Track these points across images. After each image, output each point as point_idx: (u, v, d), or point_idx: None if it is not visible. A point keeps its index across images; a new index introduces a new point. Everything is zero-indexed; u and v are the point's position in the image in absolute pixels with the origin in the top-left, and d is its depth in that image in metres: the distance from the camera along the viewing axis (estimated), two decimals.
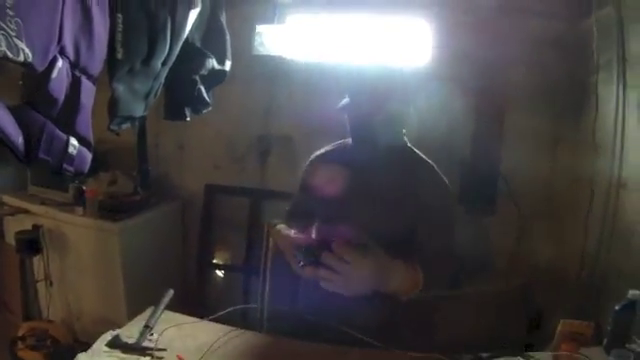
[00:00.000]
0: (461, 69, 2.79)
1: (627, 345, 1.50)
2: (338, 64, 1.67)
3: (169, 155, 3.52)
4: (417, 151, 1.76)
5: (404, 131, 1.72)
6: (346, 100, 1.63)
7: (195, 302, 3.27)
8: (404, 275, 1.51)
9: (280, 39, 2.93)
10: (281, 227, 1.83)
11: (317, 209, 1.77)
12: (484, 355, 1.53)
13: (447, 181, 1.70)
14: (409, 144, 1.76)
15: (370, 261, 1.45)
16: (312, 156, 1.90)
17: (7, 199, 3.29)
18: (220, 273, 3.60)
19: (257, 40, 2.94)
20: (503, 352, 1.53)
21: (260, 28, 2.89)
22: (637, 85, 2.22)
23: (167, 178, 3.55)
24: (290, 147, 3.25)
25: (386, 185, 1.66)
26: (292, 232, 1.73)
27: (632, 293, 1.52)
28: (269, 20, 2.94)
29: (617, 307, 1.53)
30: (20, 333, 2.82)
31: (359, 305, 1.57)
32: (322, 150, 1.89)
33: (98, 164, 3.03)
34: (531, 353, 1.52)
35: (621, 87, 2.29)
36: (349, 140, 1.76)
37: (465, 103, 2.87)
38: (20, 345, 2.76)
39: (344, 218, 1.61)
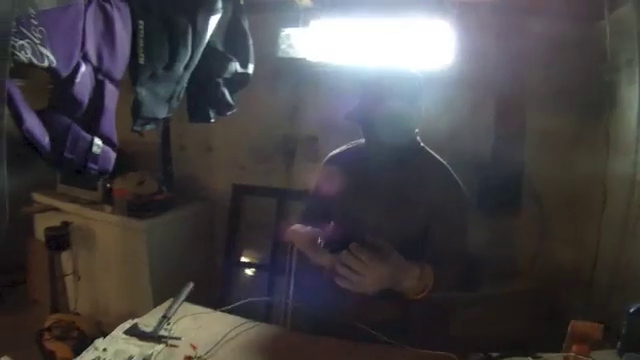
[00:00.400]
0: (481, 70, 2.78)
1: None
2: (354, 67, 1.69)
3: (196, 156, 3.60)
4: (430, 151, 1.77)
5: (416, 131, 1.73)
6: (354, 106, 1.64)
7: (221, 300, 3.34)
8: (417, 277, 1.53)
9: (305, 42, 2.99)
10: (297, 226, 1.85)
11: (332, 209, 1.80)
12: (494, 354, 1.53)
13: (460, 181, 1.70)
14: (422, 144, 1.78)
15: (386, 263, 1.48)
16: (327, 156, 1.93)
17: (37, 197, 3.43)
18: (250, 272, 3.65)
19: (283, 43, 3.01)
20: (514, 352, 1.54)
21: (286, 31, 2.96)
22: None
23: (195, 179, 3.62)
24: (315, 147, 3.28)
25: (400, 185, 1.68)
26: (308, 229, 1.77)
27: None
28: (293, 24, 2.99)
29: (631, 310, 1.50)
30: (46, 324, 2.89)
31: (372, 302, 1.60)
32: (337, 150, 1.92)
33: (127, 165, 3.15)
34: (542, 354, 1.51)
35: None
36: (363, 141, 1.77)
37: (486, 104, 2.86)
38: (46, 336, 2.82)
39: (359, 218, 1.65)
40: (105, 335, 1.57)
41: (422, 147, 1.77)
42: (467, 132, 2.88)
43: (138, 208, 3.10)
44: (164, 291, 1.90)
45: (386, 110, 1.59)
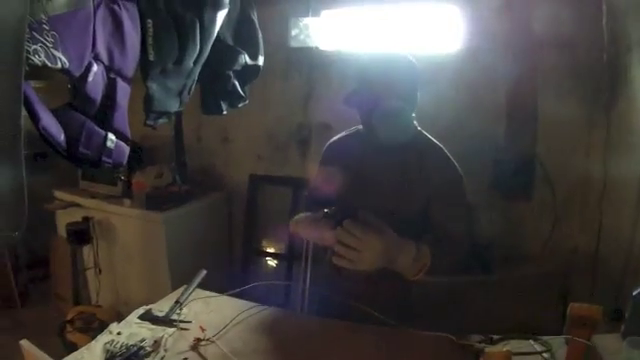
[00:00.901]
0: (491, 53, 2.77)
1: None
2: (353, 54, 1.71)
3: (213, 147, 3.68)
4: (427, 135, 1.80)
5: (413, 115, 1.75)
6: (352, 91, 1.67)
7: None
8: (413, 256, 1.56)
9: (315, 31, 3.02)
10: (298, 217, 1.88)
11: (334, 194, 1.83)
12: (494, 337, 1.56)
13: (457, 164, 1.73)
14: (419, 127, 1.80)
15: (380, 238, 1.52)
16: (327, 143, 1.97)
17: (59, 194, 3.53)
18: (269, 261, 3.72)
19: (294, 32, 3.04)
20: (514, 335, 1.57)
21: (296, 21, 2.99)
22: None
23: (212, 169, 3.70)
24: (329, 135, 3.30)
25: (399, 168, 1.71)
26: (309, 214, 1.81)
27: None
28: (304, 14, 3.02)
29: (635, 292, 1.50)
30: (69, 317, 2.99)
31: (374, 284, 1.68)
32: (337, 137, 1.95)
33: (145, 159, 3.22)
34: (543, 337, 1.54)
35: None
36: (361, 126, 1.81)
37: (497, 88, 2.85)
38: (69, 328, 2.92)
39: (360, 201, 1.68)
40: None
41: (419, 131, 1.79)
42: (479, 116, 2.88)
43: (157, 201, 3.18)
44: (182, 281, 1.97)
45: (382, 96, 1.62)
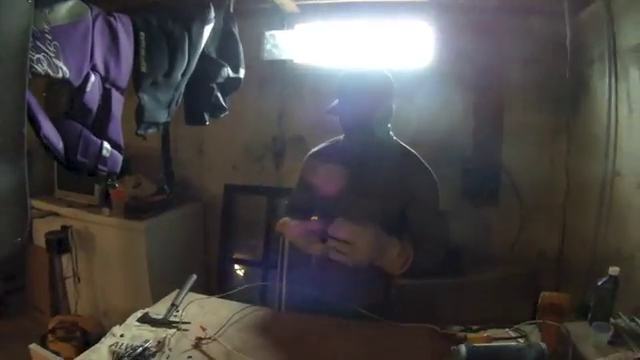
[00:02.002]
0: (461, 68, 2.94)
1: (612, 320, 1.62)
2: (333, 70, 1.82)
3: (189, 159, 3.71)
4: (403, 144, 1.90)
5: (389, 126, 1.87)
6: (335, 102, 1.78)
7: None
8: (398, 250, 1.69)
9: (289, 44, 3.12)
10: (285, 219, 1.97)
11: (315, 202, 1.95)
12: (474, 327, 1.68)
13: (431, 170, 1.84)
14: (394, 137, 1.90)
15: (370, 231, 1.66)
16: (309, 153, 2.05)
17: (36, 203, 3.42)
18: (243, 268, 3.77)
19: (268, 44, 3.13)
20: (492, 325, 1.68)
21: (270, 33, 3.09)
22: (627, 76, 2.32)
23: (188, 180, 3.72)
24: (303, 147, 3.39)
25: (378, 178, 1.81)
26: (297, 222, 1.89)
27: (612, 269, 1.63)
28: (278, 28, 3.13)
29: (599, 282, 1.65)
30: (50, 326, 2.95)
31: (357, 284, 1.78)
32: (317, 148, 2.04)
33: (123, 168, 3.24)
34: (518, 325, 1.66)
35: (613, 79, 2.40)
36: (341, 137, 1.91)
37: (465, 100, 3.02)
38: (50, 338, 2.88)
39: (340, 209, 1.77)
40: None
41: (395, 140, 1.90)
42: (448, 127, 3.04)
43: (136, 210, 3.20)
44: (162, 289, 2.02)
45: (360, 107, 1.72)
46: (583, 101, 2.74)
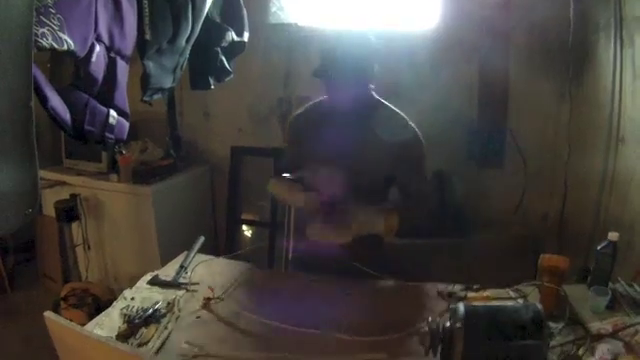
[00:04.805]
0: (467, 31, 2.90)
1: (611, 285, 1.66)
2: (322, 31, 1.85)
3: (195, 122, 3.72)
4: (387, 103, 1.94)
5: (372, 86, 1.89)
6: (320, 65, 1.81)
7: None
8: (382, 222, 1.78)
9: (295, 6, 3.09)
10: (275, 179, 2.07)
11: (303, 161, 2.02)
12: (475, 286, 1.73)
13: (416, 128, 1.88)
14: (376, 96, 1.93)
15: (355, 214, 1.76)
16: (292, 116, 2.12)
17: (44, 173, 3.42)
18: (251, 229, 3.83)
19: (273, 7, 3.10)
20: (493, 285, 1.74)
21: None
22: (632, 44, 2.31)
23: (194, 144, 3.76)
24: None
25: (362, 136, 1.85)
26: (285, 179, 2.01)
27: (611, 234, 1.65)
28: None
29: (598, 247, 1.67)
30: (62, 294, 3.01)
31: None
32: (300, 110, 2.09)
33: (129, 134, 3.26)
34: (517, 286, 1.72)
35: (618, 47, 2.40)
36: (325, 99, 1.94)
37: (471, 64, 3.00)
38: (63, 305, 2.94)
39: (328, 167, 1.85)
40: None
41: (378, 99, 1.93)
42: (454, 91, 3.03)
43: (143, 174, 3.23)
44: (171, 252, 2.08)
45: (345, 68, 1.75)
46: (587, 68, 2.73)
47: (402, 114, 1.90)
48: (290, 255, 2.39)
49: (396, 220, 1.79)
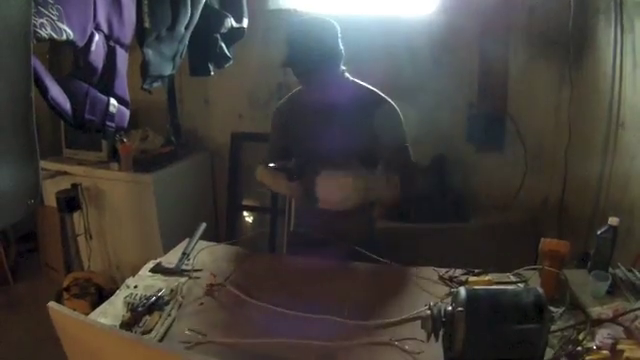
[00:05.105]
0: (466, 17, 2.89)
1: (611, 270, 1.66)
2: (341, 16, 1.88)
3: (195, 109, 3.71)
4: (361, 82, 1.96)
5: (343, 68, 1.91)
6: (287, 55, 1.85)
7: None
8: (384, 182, 1.83)
9: None
10: (262, 167, 2.11)
11: (288, 149, 2.05)
12: (475, 271, 1.75)
13: (393, 103, 1.91)
14: (351, 78, 1.96)
15: (355, 177, 1.78)
16: (276, 107, 2.16)
17: (45, 164, 3.39)
18: (252, 215, 3.85)
19: None
20: (493, 269, 1.75)
21: None
22: (632, 29, 2.30)
23: (194, 131, 3.76)
24: None
25: (343, 119, 1.88)
26: (270, 168, 2.04)
27: (612, 219, 1.65)
28: None
29: (598, 232, 1.68)
30: (65, 284, 3.03)
31: (343, 221, 1.88)
32: (281, 102, 2.15)
33: (129, 123, 3.25)
34: (518, 271, 1.73)
35: (619, 31, 2.38)
36: (301, 88, 2.00)
37: (470, 47, 2.99)
38: (65, 295, 2.96)
39: (314, 150, 1.89)
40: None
41: (351, 80, 1.96)
42: (453, 75, 3.02)
43: (144, 163, 3.23)
44: (172, 239, 2.10)
45: (308, 52, 1.79)
46: (587, 52, 2.72)
47: (377, 91, 1.93)
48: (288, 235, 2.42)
49: (398, 187, 1.84)
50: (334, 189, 1.78)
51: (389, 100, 1.91)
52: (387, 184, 1.84)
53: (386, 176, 1.85)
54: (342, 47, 1.85)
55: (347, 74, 1.94)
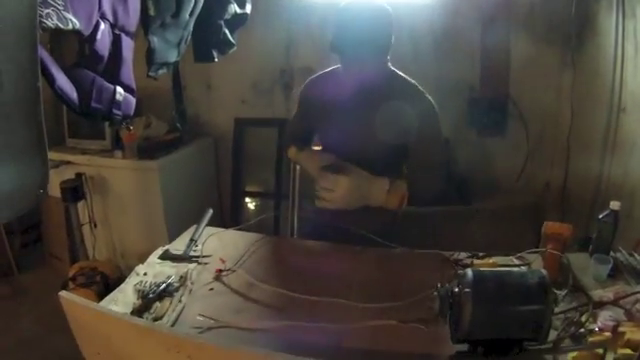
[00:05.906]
0: (468, 1, 2.89)
1: (612, 253, 1.69)
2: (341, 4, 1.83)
3: (198, 95, 3.72)
4: (402, 74, 1.92)
5: (388, 57, 1.87)
6: (336, 39, 1.78)
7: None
8: (386, 188, 1.80)
9: None
10: (293, 149, 2.08)
11: (315, 128, 2.05)
12: (480, 254, 1.77)
13: (431, 99, 1.87)
14: (393, 68, 1.92)
15: (350, 176, 1.79)
16: (307, 80, 2.09)
17: (48, 154, 3.43)
18: (252, 203, 3.87)
19: None
20: (497, 252, 1.77)
21: None
22: (634, 15, 2.31)
23: (198, 117, 3.77)
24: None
25: (378, 108, 1.84)
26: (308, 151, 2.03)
27: (613, 203, 1.67)
28: None
29: (600, 216, 1.70)
30: (70, 274, 3.04)
31: (357, 216, 1.86)
32: (316, 75, 2.07)
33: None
34: (521, 253, 1.75)
35: (620, 17, 2.39)
36: (339, 68, 1.91)
37: (472, 32, 2.99)
38: (71, 285, 2.96)
39: (340, 134, 1.88)
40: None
41: (393, 71, 1.92)
42: (455, 59, 3.03)
43: (148, 150, 3.24)
44: (177, 226, 2.10)
45: (359, 38, 1.74)
46: (589, 36, 2.73)
47: (417, 84, 1.89)
48: (295, 224, 2.43)
49: (405, 189, 1.81)
50: (328, 183, 1.80)
51: (428, 96, 1.86)
52: (389, 193, 1.81)
53: (392, 183, 1.81)
54: (393, 36, 1.80)
55: (390, 64, 1.90)
